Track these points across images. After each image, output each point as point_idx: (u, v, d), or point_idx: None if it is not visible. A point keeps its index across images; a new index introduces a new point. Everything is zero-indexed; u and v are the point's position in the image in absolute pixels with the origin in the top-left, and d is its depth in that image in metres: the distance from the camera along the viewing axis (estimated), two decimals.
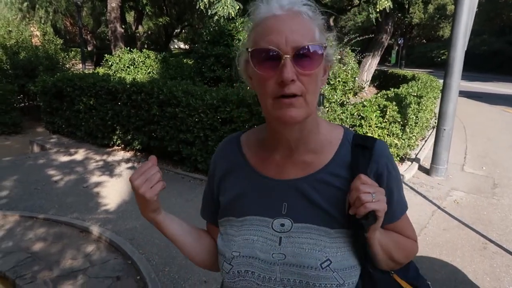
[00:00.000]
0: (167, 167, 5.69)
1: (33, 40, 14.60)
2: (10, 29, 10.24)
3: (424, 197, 4.72)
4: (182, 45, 44.02)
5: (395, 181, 0.90)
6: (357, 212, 0.76)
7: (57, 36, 11.33)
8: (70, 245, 3.59)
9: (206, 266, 1.06)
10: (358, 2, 9.40)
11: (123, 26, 17.82)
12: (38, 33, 16.95)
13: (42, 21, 22.40)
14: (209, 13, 8.52)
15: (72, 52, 12.60)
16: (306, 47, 0.75)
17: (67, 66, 10.47)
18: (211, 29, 6.66)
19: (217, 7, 8.23)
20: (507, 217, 4.24)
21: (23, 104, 10.28)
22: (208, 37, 6.60)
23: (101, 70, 8.40)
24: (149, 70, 8.31)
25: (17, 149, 7.63)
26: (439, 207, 4.45)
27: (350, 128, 3.29)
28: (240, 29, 6.34)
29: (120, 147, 6.52)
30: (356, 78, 7.82)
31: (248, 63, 0.82)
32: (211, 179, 1.01)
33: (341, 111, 4.84)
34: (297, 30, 0.75)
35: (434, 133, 5.93)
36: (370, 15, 9.36)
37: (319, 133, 0.89)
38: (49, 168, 5.67)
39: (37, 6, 22.74)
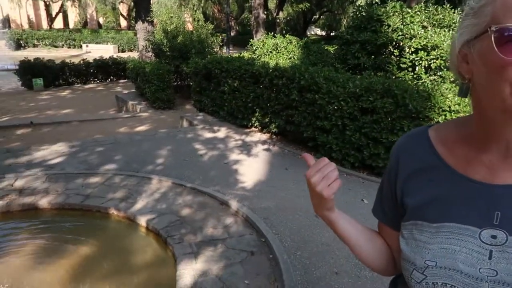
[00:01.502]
0: (300, 153, 5.74)
1: (186, 26, 16.24)
2: (172, 15, 11.50)
3: None
4: (318, 32, 43.89)
5: None
6: None
7: (207, 22, 12.34)
8: (212, 215, 3.90)
9: (376, 270, 1.00)
10: None
11: (265, 12, 18.52)
12: (191, 19, 18.77)
13: (195, 8, 24.75)
14: None
15: (219, 37, 13.61)
16: None
17: (215, 50, 11.34)
18: (358, 14, 6.41)
19: None
20: None
21: (176, 83, 11.54)
22: (355, 22, 6.37)
23: (246, 54, 8.87)
24: (291, 55, 8.46)
25: (170, 123, 8.63)
26: None
27: None
28: (391, 14, 5.94)
29: (257, 129, 6.83)
30: None
31: (468, 44, 0.71)
32: (393, 177, 0.91)
33: None
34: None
35: None
36: None
37: None
38: (196, 142, 6.26)
39: None
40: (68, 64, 15.48)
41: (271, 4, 27.58)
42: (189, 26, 15.93)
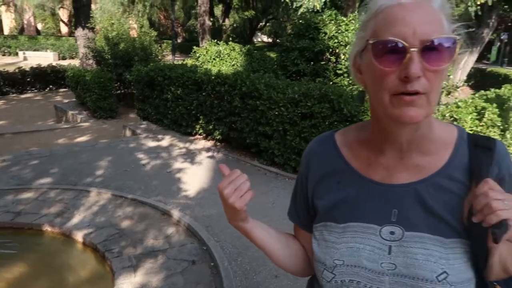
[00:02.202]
0: (244, 159, 5.80)
1: (131, 33, 15.83)
2: (113, 22, 11.16)
3: None
4: (265, 39, 44.56)
5: None
6: (486, 220, 0.68)
7: (152, 28, 12.12)
8: (153, 226, 3.83)
9: (294, 272, 1.03)
10: None
11: (211, 19, 18.54)
12: (135, 25, 18.34)
13: (140, 15, 24.23)
14: (294, 6, 8.48)
15: (164, 44, 13.40)
16: (436, 39, 0.67)
17: (159, 57, 11.14)
18: (297, 22, 6.62)
19: (302, 0, 8.14)
20: None
21: (119, 91, 11.19)
22: (294, 30, 6.56)
23: (189, 62, 8.81)
24: (234, 62, 8.52)
25: (112, 133, 8.35)
26: None
27: None
28: (327, 22, 6.20)
29: (201, 136, 6.80)
30: (450, 77, 7.23)
31: (359, 55, 0.77)
32: (304, 181, 0.95)
33: None
34: (426, 21, 0.68)
35: None
36: (469, 7, 8.55)
37: (433, 133, 0.81)
38: (138, 152, 6.11)
39: (136, 0, 24.60)
40: (1, 73, 14.50)
41: (217, 11, 27.67)
42: (134, 33, 15.56)
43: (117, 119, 9.77)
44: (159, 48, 11.35)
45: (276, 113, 5.13)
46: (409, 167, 0.81)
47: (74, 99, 11.64)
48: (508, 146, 5.18)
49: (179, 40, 34.62)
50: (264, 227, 0.98)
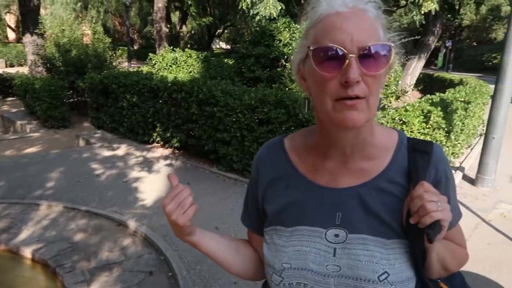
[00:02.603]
0: (203, 166, 5.76)
1: (84, 39, 15.30)
2: (64, 28, 10.76)
3: (468, 208, 4.48)
4: (224, 45, 44.62)
5: (452, 188, 0.86)
6: (421, 221, 0.71)
7: (106, 35, 11.79)
8: (108, 238, 3.71)
9: (248, 278, 1.03)
10: (405, 3, 9.10)
11: (168, 26, 18.34)
12: (89, 32, 17.77)
13: (93, 21, 23.52)
14: (251, 13, 8.58)
15: (119, 51, 13.06)
16: (372, 46, 0.70)
17: (114, 64, 10.86)
18: (253, 29, 6.70)
19: (259, 7, 8.25)
20: None
21: (72, 100, 10.78)
22: (249, 37, 6.63)
23: (144, 69, 8.66)
24: (191, 69, 8.47)
25: (65, 143, 8.02)
26: (483, 220, 4.20)
27: None
28: (282, 29, 6.31)
29: (159, 144, 6.69)
30: (399, 82, 7.58)
31: (302, 63, 0.79)
32: (254, 186, 0.96)
33: (382, 115, 4.69)
34: (362, 29, 0.71)
35: (481, 141, 5.62)
36: (415, 17, 9.05)
37: (374, 138, 0.84)
38: (92, 162, 5.91)
39: (89, 6, 23.89)
40: None
41: (175, 18, 27.40)
42: (88, 40, 15.07)
43: (70, 129, 9.40)
44: (114, 54, 11.06)
45: (234, 119, 5.15)
46: (353, 171, 0.84)
47: (22, 108, 11.09)
48: (453, 147, 5.50)
49: (135, 47, 33.91)
50: (212, 237, 0.97)
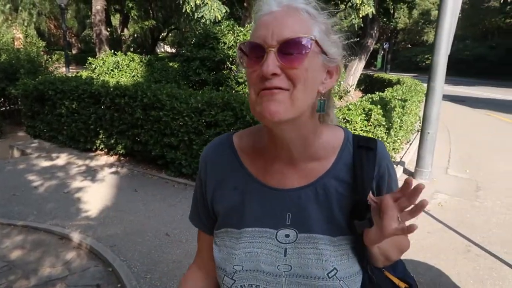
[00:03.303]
0: (151, 172, 5.60)
1: (15, 43, 14.31)
2: None
3: None
4: (168, 49, 43.86)
5: (395, 183, 0.88)
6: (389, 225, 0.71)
7: (40, 38, 11.11)
8: (49, 253, 3.49)
9: None
10: (344, 7, 9.50)
11: (108, 29, 17.67)
12: (21, 35, 16.64)
13: (25, 24, 22.04)
14: (195, 17, 8.50)
15: (56, 55, 12.36)
16: (291, 39, 0.71)
17: (50, 69, 10.25)
18: (197, 32, 6.63)
19: (203, 11, 8.21)
20: (490, 220, 4.27)
21: (3, 108, 10.05)
22: (194, 40, 6.55)
23: (84, 74, 8.26)
24: (134, 73, 8.20)
25: None
26: (423, 210, 4.47)
27: None
28: (226, 32, 6.31)
29: (103, 152, 6.41)
30: (342, 82, 7.86)
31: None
32: (203, 186, 0.94)
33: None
34: (288, 25, 0.71)
35: (418, 136, 5.97)
36: (353, 20, 9.48)
37: (321, 139, 0.84)
38: (29, 173, 5.53)
39: (20, 8, 22.39)
40: None
41: (115, 21, 26.49)
42: (20, 44, 14.13)
43: (3, 139, 8.73)
44: (50, 59, 10.45)
45: (181, 123, 5.06)
46: (301, 171, 0.84)
47: None
48: (394, 143, 5.80)
49: (74, 51, 32.30)
50: None
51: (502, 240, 3.80)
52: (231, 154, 0.91)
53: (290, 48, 0.71)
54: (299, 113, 0.74)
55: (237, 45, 0.78)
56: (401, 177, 5.52)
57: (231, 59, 6.12)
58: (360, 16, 8.96)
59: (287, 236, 0.82)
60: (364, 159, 0.84)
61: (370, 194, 0.79)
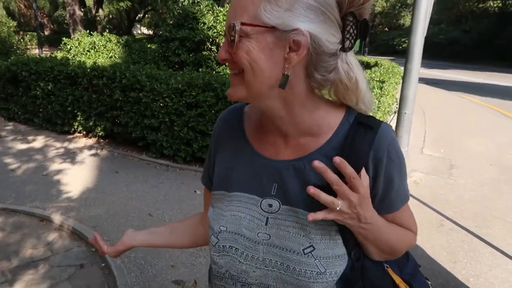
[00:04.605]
0: (131, 154, 5.56)
1: None
2: None
3: None
4: (145, 31, 42.83)
5: (397, 169, 0.81)
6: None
7: (10, 18, 10.67)
8: (30, 235, 3.46)
9: (203, 244, 1.11)
10: None
11: (82, 9, 17.10)
12: None
13: None
14: None
15: (28, 36, 11.91)
16: (228, 25, 0.74)
17: (22, 50, 9.90)
18: (175, 12, 6.51)
19: None
20: (462, 196, 4.47)
21: None
22: (172, 20, 6.44)
23: (59, 54, 8.02)
24: (111, 54, 8.01)
25: None
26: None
27: None
28: (205, 12, 6.23)
29: (81, 134, 6.30)
30: None
31: None
32: (211, 145, 1.00)
33: None
34: (234, 7, 0.74)
35: (395, 117, 6.11)
36: None
37: (315, 114, 0.82)
38: (5, 156, 5.40)
39: None
40: None
41: (89, 1, 25.61)
42: None
43: None
44: (21, 40, 10.08)
45: (161, 104, 5.02)
46: (293, 146, 0.85)
47: None
48: None
49: (46, 32, 31.14)
50: (150, 232, 1.14)
51: (473, 215, 4.00)
52: (238, 121, 0.95)
53: (230, 34, 0.73)
54: (255, 93, 0.76)
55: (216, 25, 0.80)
56: None
57: (211, 39, 6.06)
58: None
59: (270, 205, 0.84)
60: (358, 137, 0.79)
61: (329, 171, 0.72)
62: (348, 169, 0.71)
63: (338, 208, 0.72)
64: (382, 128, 0.80)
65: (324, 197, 0.71)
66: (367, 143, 0.78)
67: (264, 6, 0.70)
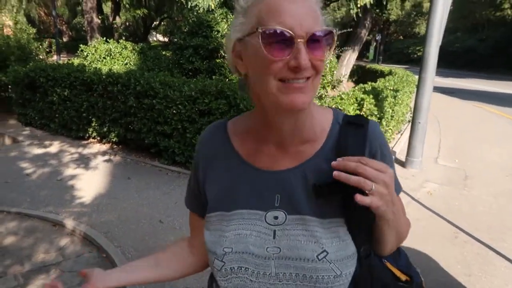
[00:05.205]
0: (144, 160, 5.61)
1: (5, 30, 14.05)
2: None
3: None
4: (161, 38, 43.38)
5: (389, 163, 0.83)
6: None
7: (30, 25, 10.93)
8: (43, 239, 3.50)
9: (195, 272, 1.05)
10: None
11: (99, 17, 17.43)
12: (10, 22, 16.34)
13: (15, 10, 21.64)
14: (189, 6, 8.42)
15: (46, 43, 12.19)
16: (320, 32, 0.72)
17: (40, 56, 10.12)
18: (190, 20, 6.59)
19: (197, 0, 8.13)
20: (477, 208, 4.38)
21: None
22: (187, 28, 6.52)
23: (76, 61, 8.18)
24: (126, 61, 8.14)
25: None
26: (413, 198, 4.55)
27: None
28: (219, 20, 6.29)
29: (96, 140, 6.40)
30: (335, 72, 7.91)
31: (239, 41, 0.77)
32: (196, 168, 0.95)
33: (319, 103, 4.88)
34: (308, 14, 0.72)
35: (409, 127, 6.05)
36: (351, 10, 9.48)
37: (313, 119, 0.84)
38: (21, 161, 5.51)
39: None
40: None
41: (106, 9, 26.10)
42: (9, 31, 13.88)
43: None
44: (40, 46, 10.31)
45: (174, 111, 5.06)
46: (292, 153, 0.84)
47: None
48: (385, 133, 5.87)
49: (65, 39, 31.81)
50: (125, 269, 1.00)
51: (488, 227, 3.90)
52: (224, 138, 0.92)
53: (318, 40, 0.72)
54: (313, 97, 0.78)
55: (256, 28, 0.74)
56: None
57: (224, 47, 6.10)
58: (359, 5, 8.96)
59: (275, 218, 0.82)
60: (352, 136, 0.83)
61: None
62: (351, 161, 0.72)
63: (373, 188, 0.70)
64: (371, 125, 0.85)
65: (354, 178, 0.70)
66: (360, 140, 0.82)
67: (321, 14, 0.76)
